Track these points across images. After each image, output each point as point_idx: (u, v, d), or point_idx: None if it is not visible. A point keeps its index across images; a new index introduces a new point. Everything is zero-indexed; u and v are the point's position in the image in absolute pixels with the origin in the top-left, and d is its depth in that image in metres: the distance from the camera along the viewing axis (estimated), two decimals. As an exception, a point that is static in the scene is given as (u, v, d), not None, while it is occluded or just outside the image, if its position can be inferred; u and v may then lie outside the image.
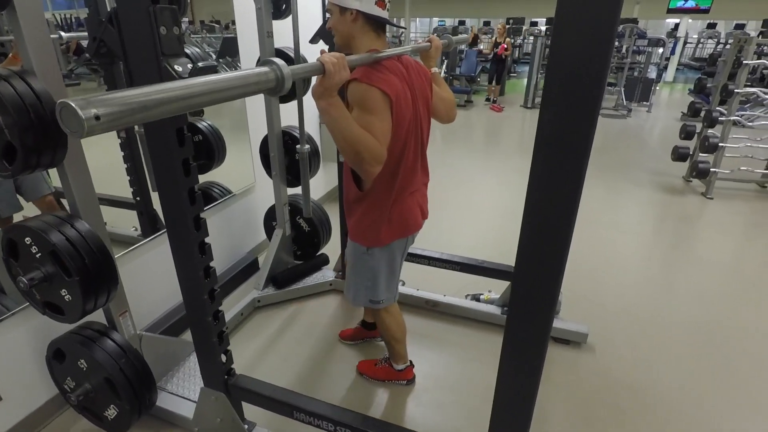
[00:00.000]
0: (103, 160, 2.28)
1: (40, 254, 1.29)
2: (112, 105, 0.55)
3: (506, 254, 3.08)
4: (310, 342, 2.24)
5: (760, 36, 11.19)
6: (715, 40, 15.31)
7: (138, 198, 2.32)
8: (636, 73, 9.27)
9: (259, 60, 2.25)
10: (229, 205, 2.71)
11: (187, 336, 2.26)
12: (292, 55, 2.19)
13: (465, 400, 1.91)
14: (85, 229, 1.33)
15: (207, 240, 1.31)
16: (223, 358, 1.49)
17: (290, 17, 2.11)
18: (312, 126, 3.43)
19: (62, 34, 2.05)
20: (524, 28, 15.33)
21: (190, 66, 1.03)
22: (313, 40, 2.08)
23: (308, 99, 2.47)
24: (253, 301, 2.43)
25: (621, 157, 5.65)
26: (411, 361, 1.95)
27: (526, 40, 16.17)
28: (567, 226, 0.84)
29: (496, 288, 2.47)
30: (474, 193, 4.35)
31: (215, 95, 0.70)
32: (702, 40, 16.46)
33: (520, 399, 1.07)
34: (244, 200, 2.84)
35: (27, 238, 1.29)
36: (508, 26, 9.56)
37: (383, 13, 1.37)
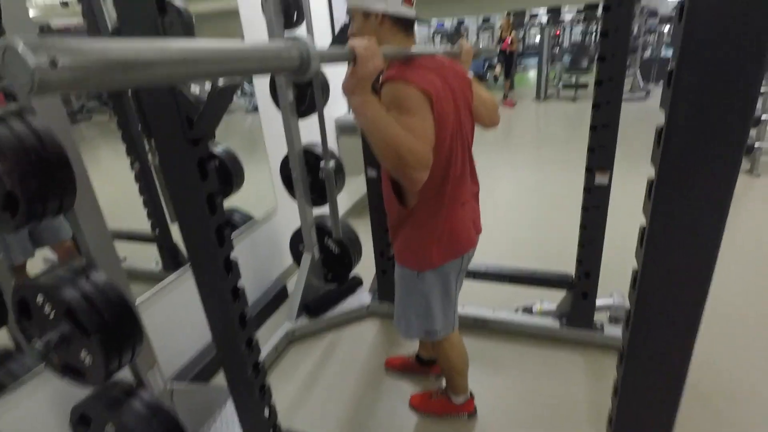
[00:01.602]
0: (119, 193, 2.17)
1: (54, 313, 1.14)
2: (79, 53, 0.38)
3: (535, 256, 2.89)
4: (354, 375, 2.06)
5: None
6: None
7: (157, 230, 2.20)
8: (649, 53, 8.98)
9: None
10: (253, 232, 2.56)
11: (220, 380, 2.10)
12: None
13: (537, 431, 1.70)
14: (102, 280, 1.17)
15: (239, 284, 1.14)
16: (267, 412, 1.32)
17: (302, 27, 1.97)
18: (330, 139, 3.28)
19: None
20: (525, 20, 15.12)
21: (208, 86, 0.87)
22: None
23: (328, 111, 2.34)
24: (288, 334, 2.26)
25: (648, 141, 5.38)
26: (471, 392, 1.75)
27: (528, 33, 15.96)
28: (714, 241, 0.64)
29: (547, 297, 2.27)
30: (496, 192, 4.15)
31: (224, 66, 0.53)
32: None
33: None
34: (267, 225, 2.69)
35: (39, 297, 1.14)
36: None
37: (411, 11, 1.23)
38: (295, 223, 2.45)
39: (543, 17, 15.27)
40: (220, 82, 0.83)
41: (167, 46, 0.45)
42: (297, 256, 2.60)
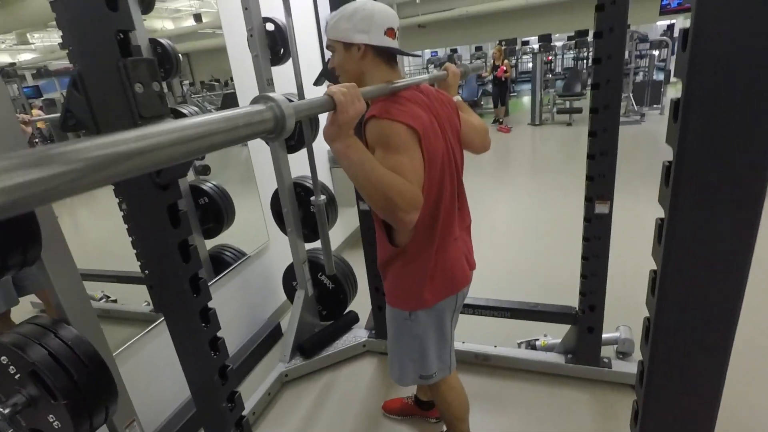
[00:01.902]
0: (108, 233, 2.11)
1: (19, 375, 1.05)
2: None
3: (535, 287, 2.79)
4: (350, 420, 1.94)
5: None
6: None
7: (147, 271, 2.12)
8: (641, 77, 9.09)
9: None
10: (245, 269, 2.48)
11: None
12: (296, 101, 2.01)
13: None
14: (73, 336, 1.09)
15: (219, 334, 1.06)
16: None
17: (290, 62, 1.95)
18: (323, 171, 3.24)
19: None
20: (517, 47, 15.45)
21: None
22: (318, 82, 1.90)
23: (318, 144, 2.31)
24: (281, 376, 2.16)
25: (647, 163, 5.36)
26: (473, 437, 1.64)
27: (520, 60, 16.29)
28: (737, 286, 0.57)
29: (551, 331, 2.17)
30: (493, 219, 4.09)
31: (188, 146, 0.46)
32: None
33: None
34: (259, 261, 2.61)
35: (3, 357, 1.05)
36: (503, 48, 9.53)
37: (394, 43, 1.19)
38: (288, 258, 2.37)
39: (534, 44, 15.64)
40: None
41: (114, 141, 0.38)
42: (290, 291, 2.51)
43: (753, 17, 0.46)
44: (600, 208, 1.69)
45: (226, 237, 2.44)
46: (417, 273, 1.24)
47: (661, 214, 0.65)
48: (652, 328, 0.65)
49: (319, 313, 2.47)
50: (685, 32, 0.53)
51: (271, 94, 0.61)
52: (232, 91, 2.51)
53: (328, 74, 1.93)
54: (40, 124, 2.01)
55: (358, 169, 0.97)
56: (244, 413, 1.18)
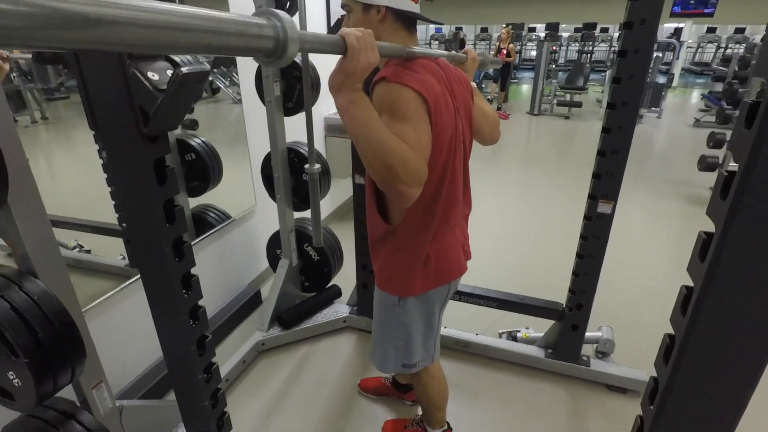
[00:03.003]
0: (92, 180, 1.98)
1: (-23, 326, 0.97)
2: None
3: (520, 278, 2.79)
4: (325, 395, 1.92)
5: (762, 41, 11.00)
6: (716, 44, 15.22)
7: (124, 224, 2.02)
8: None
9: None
10: (228, 232, 2.40)
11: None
12: (299, 62, 1.89)
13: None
14: (39, 290, 1.01)
15: (201, 302, 0.99)
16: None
17: (296, 17, 1.82)
18: (317, 139, 3.12)
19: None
20: (523, 33, 15.20)
21: (170, 72, 0.72)
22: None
23: (316, 109, 2.19)
24: (257, 345, 2.11)
25: (640, 166, 5.35)
26: (448, 423, 1.62)
27: (524, 46, 16.06)
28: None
29: (534, 324, 2.16)
30: (485, 211, 4.06)
31: (158, 34, 0.36)
32: (702, 45, 16.33)
33: None
34: (244, 225, 2.52)
35: (-40, 306, 0.97)
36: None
37: (415, 7, 1.08)
38: (274, 225, 2.29)
39: (541, 32, 15.41)
40: (184, 68, 0.68)
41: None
42: (274, 261, 2.44)
43: None
44: (603, 208, 1.65)
45: (211, 197, 2.33)
46: (410, 258, 1.18)
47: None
48: (676, 348, 0.60)
49: (301, 284, 2.42)
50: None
51: (278, 12, 0.52)
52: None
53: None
54: (16, 53, 1.85)
55: (360, 129, 0.87)
56: (219, 385, 1.12)
